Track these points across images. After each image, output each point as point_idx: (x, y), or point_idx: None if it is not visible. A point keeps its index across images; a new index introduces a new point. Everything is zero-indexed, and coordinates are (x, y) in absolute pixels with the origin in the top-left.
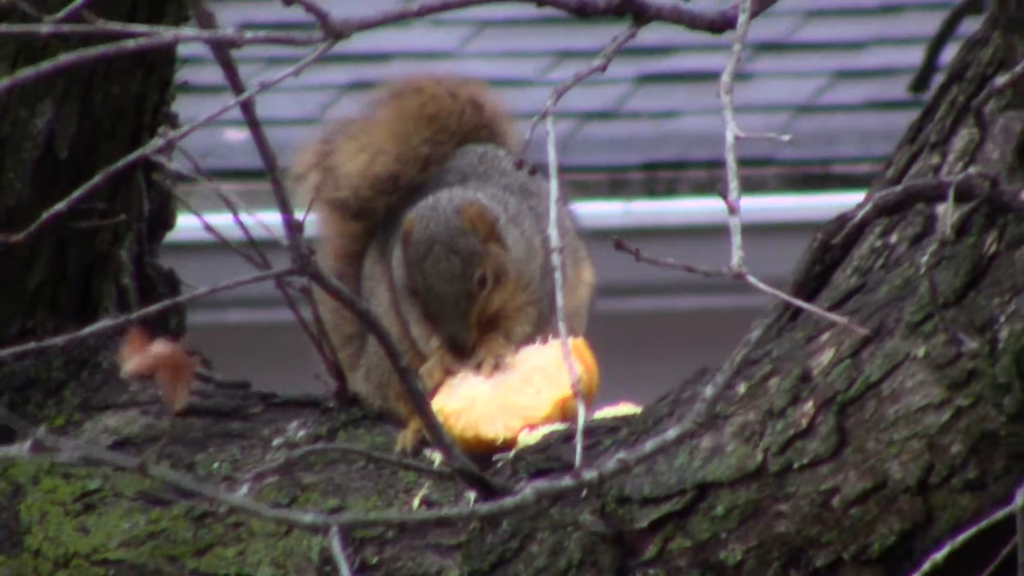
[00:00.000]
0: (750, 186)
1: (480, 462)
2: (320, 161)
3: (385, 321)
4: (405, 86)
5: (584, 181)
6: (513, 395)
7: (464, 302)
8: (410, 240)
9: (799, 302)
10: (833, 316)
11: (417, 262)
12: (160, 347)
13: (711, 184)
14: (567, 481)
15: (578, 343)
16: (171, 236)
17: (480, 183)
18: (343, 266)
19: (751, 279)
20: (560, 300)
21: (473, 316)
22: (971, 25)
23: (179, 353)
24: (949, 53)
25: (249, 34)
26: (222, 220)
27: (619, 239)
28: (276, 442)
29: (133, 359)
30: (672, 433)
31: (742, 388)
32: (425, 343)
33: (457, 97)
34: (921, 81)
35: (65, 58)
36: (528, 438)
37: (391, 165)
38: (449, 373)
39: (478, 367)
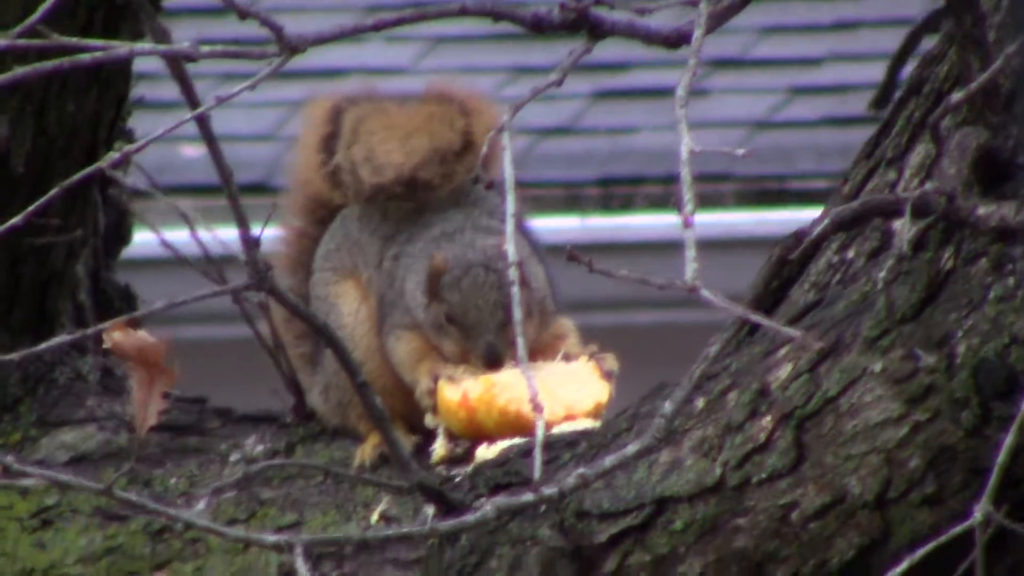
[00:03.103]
0: (707, 202)
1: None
2: (334, 119)
3: (356, 339)
4: (468, 101)
5: (540, 196)
6: (560, 387)
7: (502, 312)
8: (445, 273)
9: (755, 317)
10: (787, 330)
11: (454, 284)
12: (147, 336)
13: (667, 200)
14: (527, 496)
15: (594, 368)
16: (127, 252)
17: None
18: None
19: (704, 293)
20: (518, 314)
21: (510, 331)
22: (931, 42)
23: (161, 350)
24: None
25: (205, 48)
26: (179, 236)
27: (572, 250)
28: (233, 457)
29: (119, 334)
30: (632, 448)
31: (700, 403)
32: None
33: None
34: (882, 98)
35: (21, 71)
36: (487, 452)
37: (428, 173)
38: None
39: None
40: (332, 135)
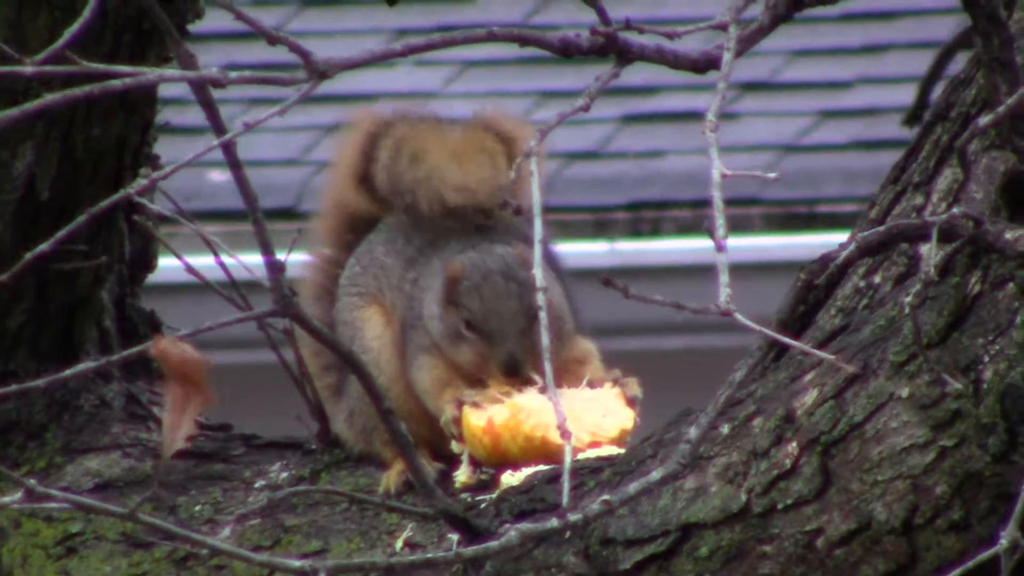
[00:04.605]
0: (735, 226)
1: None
2: (377, 134)
3: (382, 364)
4: (514, 131)
5: (569, 221)
6: (584, 413)
7: (522, 319)
8: (462, 278)
9: (787, 340)
10: (820, 353)
11: (473, 290)
12: (192, 351)
13: (696, 224)
14: (552, 522)
15: (619, 394)
16: (153, 278)
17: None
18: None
19: (739, 316)
20: (545, 340)
21: (529, 339)
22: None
23: (203, 368)
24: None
25: (233, 74)
26: (204, 262)
27: (607, 277)
28: (258, 484)
29: (166, 342)
30: (656, 475)
31: (725, 429)
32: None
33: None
34: (915, 116)
35: (51, 97)
36: (511, 479)
37: (494, 198)
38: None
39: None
40: (373, 150)
